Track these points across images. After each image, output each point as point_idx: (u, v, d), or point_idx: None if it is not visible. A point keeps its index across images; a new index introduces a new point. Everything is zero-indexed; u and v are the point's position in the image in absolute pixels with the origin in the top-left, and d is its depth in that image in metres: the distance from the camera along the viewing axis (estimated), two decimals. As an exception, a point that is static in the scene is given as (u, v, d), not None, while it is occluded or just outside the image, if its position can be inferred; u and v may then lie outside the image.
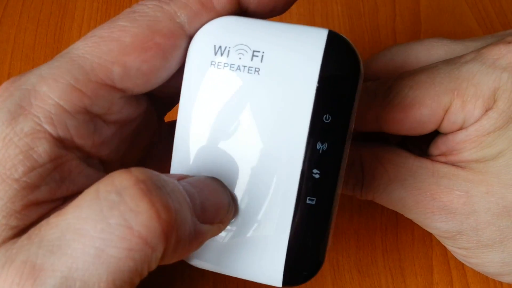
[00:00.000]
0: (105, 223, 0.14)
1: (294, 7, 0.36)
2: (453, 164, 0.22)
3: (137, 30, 0.17)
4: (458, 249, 0.23)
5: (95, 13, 0.35)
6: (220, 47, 0.17)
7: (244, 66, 0.17)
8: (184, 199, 0.16)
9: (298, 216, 0.18)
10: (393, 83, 0.22)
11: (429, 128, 0.22)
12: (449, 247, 0.24)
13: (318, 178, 0.17)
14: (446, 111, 0.21)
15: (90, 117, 0.17)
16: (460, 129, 0.21)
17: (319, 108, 0.17)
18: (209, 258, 0.19)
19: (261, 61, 0.17)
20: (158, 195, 0.14)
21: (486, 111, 0.21)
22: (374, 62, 0.26)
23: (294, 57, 0.17)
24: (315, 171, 0.17)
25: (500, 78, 0.20)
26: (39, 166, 0.16)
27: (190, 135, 0.18)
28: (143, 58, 0.17)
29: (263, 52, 0.17)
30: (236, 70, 0.17)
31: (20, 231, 0.15)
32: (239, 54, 0.17)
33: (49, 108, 0.16)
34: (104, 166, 0.19)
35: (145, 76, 0.17)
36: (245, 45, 0.17)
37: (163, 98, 0.20)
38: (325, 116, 0.17)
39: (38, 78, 0.16)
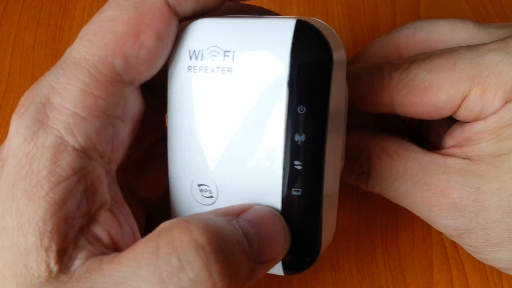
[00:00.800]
0: None
1: (294, 7, 0.36)
2: (466, 156, 0.21)
3: (126, 16, 0.17)
4: (465, 246, 0.23)
5: (95, 12, 0.35)
6: (194, 51, 0.18)
7: (217, 67, 0.18)
8: (243, 250, 0.16)
9: (287, 207, 0.18)
10: (411, 65, 0.22)
11: (444, 113, 0.21)
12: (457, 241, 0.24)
13: (301, 169, 0.17)
14: (464, 98, 0.21)
15: (108, 119, 0.17)
16: (477, 119, 0.21)
17: (292, 99, 0.17)
18: None
19: (233, 60, 0.17)
20: (217, 264, 0.15)
21: (506, 102, 0.20)
22: (396, 34, 0.26)
23: (263, 52, 0.17)
24: (296, 162, 0.17)
25: None
26: (64, 179, 0.16)
27: (177, 143, 0.19)
28: (138, 43, 0.17)
29: (233, 51, 0.17)
30: (210, 72, 0.18)
31: (59, 257, 0.15)
32: (212, 56, 0.18)
33: (66, 118, 0.16)
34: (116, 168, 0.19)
35: (146, 60, 0.17)
36: (216, 47, 0.18)
37: (164, 93, 0.20)
38: (299, 107, 0.17)
39: (49, 89, 0.16)
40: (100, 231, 0.17)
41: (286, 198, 0.17)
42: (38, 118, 0.16)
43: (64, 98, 0.16)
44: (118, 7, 0.17)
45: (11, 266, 0.15)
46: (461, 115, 0.21)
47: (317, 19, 0.18)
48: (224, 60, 0.17)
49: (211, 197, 0.19)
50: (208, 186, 0.19)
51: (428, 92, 0.21)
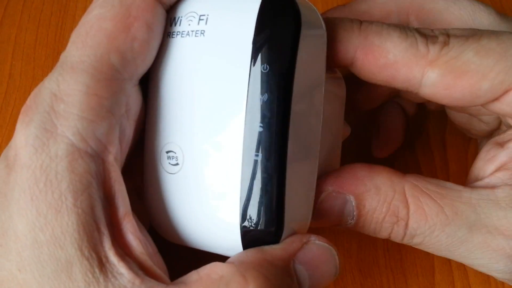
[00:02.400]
0: None
1: (295, 7, 0.36)
2: None
3: (113, 12, 0.17)
4: None
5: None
6: (174, 18, 0.18)
7: (192, 31, 0.18)
8: None
9: (246, 172, 0.17)
10: (451, 40, 0.18)
11: (479, 102, 0.19)
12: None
13: (261, 132, 0.16)
14: (506, 91, 0.18)
15: (115, 119, 0.17)
16: None
17: (256, 59, 0.17)
18: (169, 233, 0.19)
19: (206, 23, 0.18)
20: None
21: None
22: None
23: (233, 12, 0.17)
24: (257, 124, 0.16)
25: None
26: (86, 188, 0.16)
27: (153, 109, 0.19)
28: (130, 36, 0.17)
29: (207, 15, 0.18)
30: (186, 36, 0.18)
31: (102, 266, 0.15)
32: (188, 21, 0.18)
33: (74, 124, 0.16)
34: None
35: (140, 52, 0.17)
36: (194, 12, 0.18)
37: None
38: (262, 66, 0.16)
39: (51, 97, 0.16)
40: (131, 237, 0.17)
41: (246, 165, 0.17)
42: (46, 127, 0.16)
43: (68, 104, 0.16)
44: (104, 5, 0.17)
45: (51, 278, 0.15)
46: (500, 109, 0.19)
47: None
48: (198, 23, 0.18)
49: (177, 164, 0.18)
50: (175, 153, 0.18)
51: (472, 77, 0.18)
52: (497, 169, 0.19)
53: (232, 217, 0.17)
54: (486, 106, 0.19)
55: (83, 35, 0.17)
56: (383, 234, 0.20)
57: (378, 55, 0.18)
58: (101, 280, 0.15)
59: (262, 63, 0.16)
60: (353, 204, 0.19)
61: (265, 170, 0.16)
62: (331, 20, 0.18)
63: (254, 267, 0.16)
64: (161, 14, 0.18)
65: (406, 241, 0.20)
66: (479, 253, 0.19)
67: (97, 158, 0.16)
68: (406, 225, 0.19)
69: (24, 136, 0.16)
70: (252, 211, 0.17)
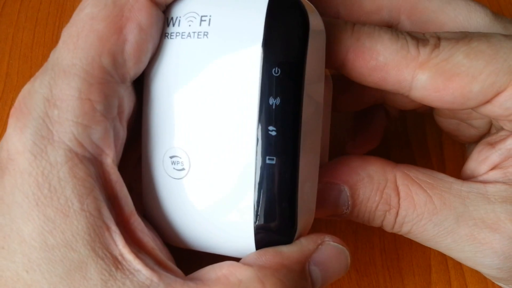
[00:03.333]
0: None
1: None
2: (511, 180, 0.19)
3: (105, 12, 0.16)
4: None
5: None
6: (172, 18, 0.18)
7: (194, 32, 0.17)
8: None
9: (259, 179, 0.17)
10: (441, 42, 0.18)
11: (470, 105, 0.18)
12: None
13: (275, 136, 0.16)
14: (497, 94, 0.18)
15: (109, 122, 0.17)
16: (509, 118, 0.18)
17: (267, 62, 0.16)
18: (178, 238, 0.19)
19: (209, 24, 0.17)
20: None
21: None
22: None
23: (239, 14, 0.17)
24: (270, 128, 0.16)
25: None
26: (90, 191, 0.16)
27: (151, 112, 0.18)
28: (122, 38, 0.16)
29: (210, 16, 0.17)
30: (187, 37, 0.18)
31: (118, 263, 0.16)
32: (188, 21, 0.18)
33: (70, 130, 0.16)
34: None
35: (132, 55, 0.17)
36: (194, 12, 0.17)
37: None
38: (274, 69, 0.16)
39: (44, 102, 0.16)
40: (141, 234, 0.17)
41: (260, 168, 0.17)
42: (42, 134, 0.16)
43: (62, 109, 0.16)
44: (97, 3, 0.17)
45: (64, 278, 0.15)
46: (491, 111, 0.18)
47: None
48: (200, 25, 0.17)
49: (183, 169, 0.18)
50: (180, 158, 0.18)
51: (462, 79, 0.18)
52: (490, 169, 0.19)
53: (246, 218, 0.17)
54: (477, 109, 0.19)
55: (74, 35, 0.16)
56: (377, 222, 0.20)
57: (369, 57, 0.18)
58: (119, 277, 0.15)
59: (273, 67, 0.16)
60: (348, 194, 0.20)
61: (279, 173, 0.17)
62: (326, 21, 0.18)
63: (272, 273, 0.16)
64: (156, 15, 0.17)
65: (396, 229, 0.20)
66: (465, 246, 0.19)
67: (96, 161, 0.16)
68: (397, 213, 0.19)
69: (20, 142, 0.16)
70: (267, 213, 0.17)
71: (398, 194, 0.19)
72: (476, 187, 0.19)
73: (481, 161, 0.20)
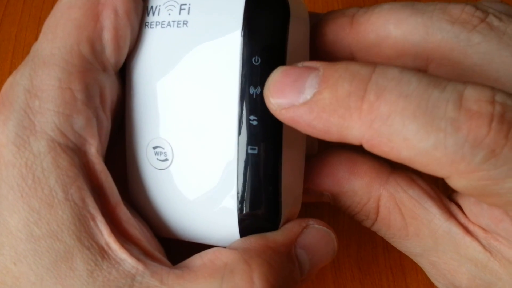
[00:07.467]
0: None
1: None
2: (489, 248, 0.17)
3: (82, 0, 0.16)
4: None
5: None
6: (152, 7, 0.18)
7: (173, 21, 0.17)
8: (296, 281, 0.17)
9: (243, 168, 0.17)
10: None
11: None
12: None
13: (256, 125, 0.16)
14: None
15: (91, 112, 0.17)
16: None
17: (247, 51, 0.16)
18: (164, 228, 0.19)
19: (188, 13, 0.17)
20: None
21: None
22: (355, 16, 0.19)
23: (219, 3, 0.17)
24: (252, 117, 0.16)
25: None
26: (74, 181, 0.16)
27: (134, 103, 0.18)
28: (99, 25, 0.16)
29: (189, 4, 0.17)
30: (166, 27, 0.18)
31: (103, 253, 0.16)
32: (168, 10, 0.18)
33: (51, 120, 0.16)
34: None
35: (111, 41, 0.17)
36: (173, 1, 0.17)
37: None
38: (253, 58, 0.16)
39: (25, 93, 0.16)
40: (127, 224, 0.17)
41: (243, 157, 0.17)
42: (24, 125, 0.16)
43: (43, 99, 0.16)
44: None
45: (50, 269, 0.15)
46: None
47: None
48: (180, 13, 0.17)
49: (166, 160, 0.18)
50: (163, 148, 0.18)
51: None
52: (482, 227, 0.18)
53: (230, 207, 0.17)
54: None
55: (53, 26, 0.16)
56: (356, 220, 0.21)
57: (388, 150, 0.14)
58: (105, 267, 0.15)
59: (253, 56, 0.16)
60: (329, 196, 0.20)
61: (261, 162, 0.16)
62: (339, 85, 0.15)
63: (258, 254, 0.16)
64: (133, 2, 0.17)
65: (373, 230, 0.21)
66: (428, 270, 0.20)
67: (79, 151, 0.16)
68: (372, 224, 0.20)
69: (3, 134, 0.16)
70: (251, 201, 0.17)
71: (377, 213, 0.19)
72: (455, 232, 0.18)
73: (476, 212, 0.18)
